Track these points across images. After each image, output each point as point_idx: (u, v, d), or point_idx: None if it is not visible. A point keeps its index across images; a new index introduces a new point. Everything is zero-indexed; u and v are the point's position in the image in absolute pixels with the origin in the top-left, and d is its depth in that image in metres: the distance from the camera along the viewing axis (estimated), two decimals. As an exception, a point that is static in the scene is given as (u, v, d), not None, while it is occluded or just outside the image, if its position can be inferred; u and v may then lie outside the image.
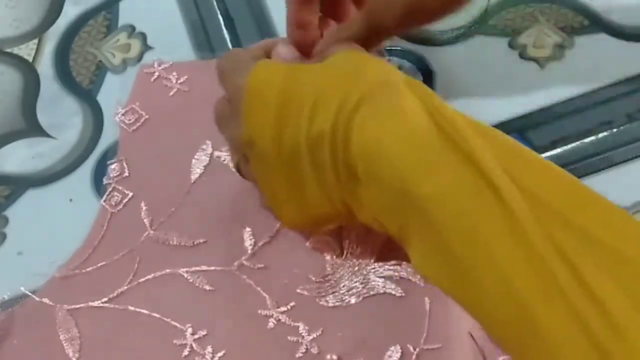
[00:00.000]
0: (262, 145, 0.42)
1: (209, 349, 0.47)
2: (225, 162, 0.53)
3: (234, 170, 0.53)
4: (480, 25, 0.59)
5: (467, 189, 0.35)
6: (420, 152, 0.37)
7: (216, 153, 0.54)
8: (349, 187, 0.40)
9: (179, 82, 0.57)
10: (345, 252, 0.49)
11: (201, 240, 0.51)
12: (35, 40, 0.62)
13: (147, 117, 0.56)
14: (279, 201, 0.44)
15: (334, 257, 0.49)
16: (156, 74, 0.58)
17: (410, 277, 0.48)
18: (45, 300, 0.49)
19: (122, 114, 0.56)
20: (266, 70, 0.43)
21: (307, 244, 0.50)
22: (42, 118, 0.58)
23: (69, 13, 0.63)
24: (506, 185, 0.35)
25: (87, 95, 0.59)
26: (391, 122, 0.38)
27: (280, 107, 0.41)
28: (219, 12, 0.62)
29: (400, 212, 0.38)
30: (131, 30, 0.62)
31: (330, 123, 0.39)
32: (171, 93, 0.57)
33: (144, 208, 0.52)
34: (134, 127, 0.56)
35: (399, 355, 0.46)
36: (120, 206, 0.52)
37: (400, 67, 0.57)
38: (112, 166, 0.54)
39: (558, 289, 0.32)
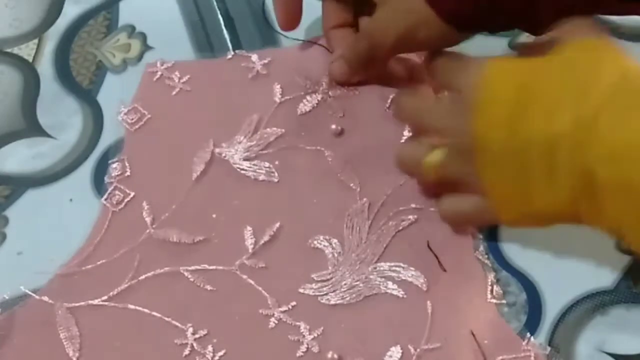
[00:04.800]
0: (493, 140, 0.41)
1: (210, 348, 0.47)
2: (226, 158, 0.53)
3: (235, 168, 0.53)
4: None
5: None
6: None
7: (217, 151, 0.54)
8: (586, 192, 0.39)
9: (181, 81, 0.57)
10: (346, 251, 0.49)
11: (202, 239, 0.51)
12: (35, 40, 0.62)
13: (149, 116, 0.56)
14: (502, 197, 0.43)
15: (336, 255, 0.49)
16: (159, 73, 0.58)
17: (412, 280, 0.48)
18: (45, 298, 0.49)
19: (125, 113, 0.56)
20: (501, 67, 0.43)
21: None
22: (42, 118, 0.58)
23: (69, 13, 0.63)
24: None
25: (87, 95, 0.59)
26: None
27: (516, 104, 0.41)
28: (219, 12, 0.62)
29: None
30: (131, 30, 0.62)
31: (569, 125, 0.39)
32: (174, 92, 0.57)
33: (145, 207, 0.52)
34: (136, 127, 0.56)
35: (399, 355, 0.46)
36: (122, 205, 0.52)
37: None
38: (114, 165, 0.54)
39: None
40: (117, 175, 0.54)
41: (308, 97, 0.55)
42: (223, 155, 0.53)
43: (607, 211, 0.39)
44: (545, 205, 0.42)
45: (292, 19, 0.55)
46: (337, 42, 0.55)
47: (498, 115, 0.42)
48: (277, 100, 0.55)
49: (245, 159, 0.53)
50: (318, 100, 0.55)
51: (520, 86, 0.42)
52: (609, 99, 0.39)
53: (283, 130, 0.54)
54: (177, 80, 0.57)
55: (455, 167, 0.46)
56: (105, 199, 0.53)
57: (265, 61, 0.57)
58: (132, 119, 0.56)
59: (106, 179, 0.54)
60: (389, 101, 0.54)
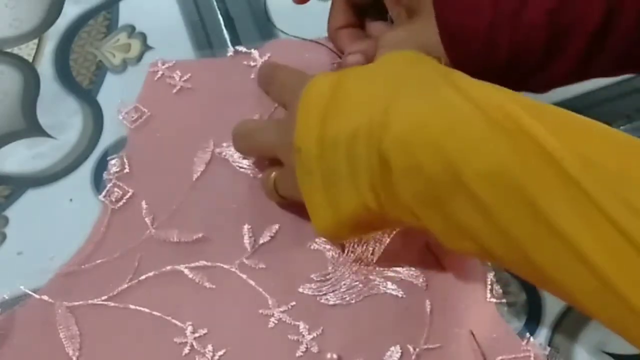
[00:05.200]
0: (307, 148, 0.43)
1: (210, 347, 0.47)
2: (226, 157, 0.53)
3: (236, 167, 0.53)
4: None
5: (521, 162, 0.35)
6: (468, 131, 0.37)
7: (217, 150, 0.54)
8: (383, 179, 0.40)
9: (182, 80, 0.57)
10: (346, 251, 0.49)
11: (201, 237, 0.51)
12: (35, 40, 0.62)
13: (149, 114, 0.56)
14: (315, 206, 0.44)
15: (335, 255, 0.49)
16: (160, 72, 0.58)
17: (411, 280, 0.48)
18: (45, 298, 0.49)
19: (126, 112, 0.56)
20: (318, 79, 0.44)
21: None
22: (42, 118, 0.58)
23: (69, 13, 0.63)
24: (562, 152, 0.35)
25: (87, 95, 0.59)
26: (432, 108, 0.38)
27: (325, 109, 0.42)
28: (219, 12, 0.62)
29: (444, 199, 0.38)
30: (131, 30, 0.62)
31: (367, 117, 0.40)
32: (174, 91, 0.57)
33: (145, 206, 0.52)
34: (137, 124, 0.56)
35: (399, 355, 0.46)
36: (121, 203, 0.52)
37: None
38: (112, 161, 0.54)
39: (636, 252, 0.32)
40: (116, 172, 0.53)
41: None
42: (223, 154, 0.53)
43: (401, 196, 0.40)
44: (350, 205, 0.42)
45: None
46: (344, 42, 0.55)
47: (311, 122, 0.43)
48: (278, 100, 0.56)
49: (245, 158, 0.53)
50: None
51: (330, 93, 0.43)
52: (408, 87, 0.40)
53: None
54: (178, 79, 0.57)
55: (285, 184, 0.47)
56: (104, 196, 0.53)
57: (266, 57, 0.57)
58: (133, 117, 0.56)
59: (105, 175, 0.54)
60: None
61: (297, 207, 0.49)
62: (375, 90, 0.41)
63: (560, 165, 0.34)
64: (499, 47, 0.44)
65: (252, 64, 0.58)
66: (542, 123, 0.36)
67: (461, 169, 0.37)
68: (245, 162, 0.53)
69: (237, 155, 0.53)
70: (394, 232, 0.49)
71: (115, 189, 0.53)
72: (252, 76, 0.57)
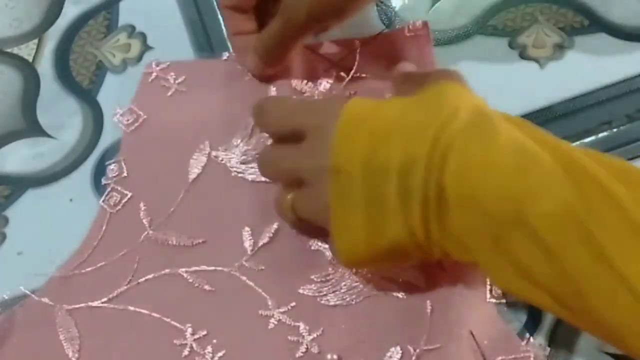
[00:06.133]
0: (349, 170, 0.42)
1: (209, 349, 0.47)
2: (223, 162, 0.53)
3: (231, 170, 0.53)
4: (480, 25, 0.59)
5: (587, 206, 0.36)
6: (539, 171, 0.38)
7: (214, 153, 0.54)
8: (438, 212, 0.40)
9: (177, 82, 0.57)
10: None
11: (200, 241, 0.51)
12: (35, 40, 0.62)
13: (145, 117, 0.56)
14: (347, 229, 0.43)
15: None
16: (154, 74, 0.58)
17: (412, 281, 0.48)
18: (45, 300, 0.49)
19: (121, 115, 0.56)
20: (360, 103, 0.44)
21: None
22: (42, 118, 0.58)
23: (69, 13, 0.63)
24: (627, 198, 0.36)
25: (87, 95, 0.59)
26: (495, 146, 0.39)
27: (372, 134, 0.42)
28: (219, 12, 0.62)
29: (502, 235, 0.38)
30: (131, 30, 0.62)
31: (426, 148, 0.40)
32: (169, 93, 0.57)
33: (142, 208, 0.52)
34: (132, 128, 0.56)
35: (399, 355, 0.46)
36: (119, 206, 0.52)
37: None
38: (111, 167, 0.54)
39: None
40: (114, 177, 0.54)
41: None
42: (220, 159, 0.53)
43: (455, 230, 0.40)
44: (395, 233, 0.42)
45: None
46: (240, 48, 0.56)
47: (356, 145, 0.42)
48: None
49: (242, 162, 0.53)
50: (314, 101, 0.55)
51: (381, 117, 0.43)
52: (469, 121, 0.40)
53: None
54: (172, 82, 0.57)
55: (307, 206, 0.46)
56: (103, 201, 0.53)
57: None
58: (128, 120, 0.56)
59: (103, 181, 0.54)
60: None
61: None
62: (429, 120, 0.41)
63: (627, 211, 0.36)
64: None
65: (247, 67, 0.58)
66: (604, 169, 0.37)
67: (527, 208, 0.37)
68: (243, 167, 0.53)
69: (234, 160, 0.53)
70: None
71: (114, 193, 0.53)
72: (247, 78, 0.57)
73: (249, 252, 0.50)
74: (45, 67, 0.61)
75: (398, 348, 0.46)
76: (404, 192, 0.41)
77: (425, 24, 0.57)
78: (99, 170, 0.55)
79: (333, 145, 0.43)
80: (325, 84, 0.56)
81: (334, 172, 0.43)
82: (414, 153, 0.40)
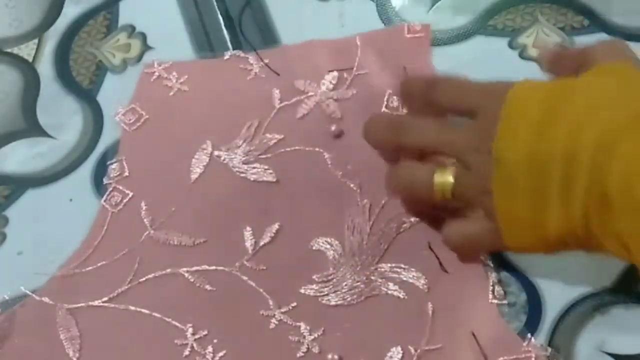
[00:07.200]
0: (511, 160, 0.41)
1: (210, 349, 0.47)
2: (225, 162, 0.53)
3: (233, 170, 0.53)
4: (480, 25, 0.59)
5: None
6: None
7: (216, 153, 0.54)
8: (600, 212, 0.39)
9: (179, 81, 0.57)
10: (347, 251, 0.49)
11: (202, 240, 0.51)
12: (35, 40, 0.62)
13: (147, 117, 0.56)
14: (513, 221, 0.43)
15: (337, 255, 0.49)
16: (156, 73, 0.58)
17: (413, 281, 0.48)
18: (46, 299, 0.49)
19: (123, 114, 0.56)
20: (525, 87, 0.43)
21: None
22: (42, 118, 0.58)
23: (69, 13, 0.63)
24: None
25: (87, 95, 0.59)
26: None
27: (540, 122, 0.41)
28: (219, 12, 0.62)
29: None
30: (131, 30, 0.62)
31: (591, 141, 0.39)
32: (171, 93, 0.57)
33: (144, 208, 0.52)
34: (134, 127, 0.56)
35: (400, 356, 0.46)
36: (121, 206, 0.52)
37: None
38: (113, 166, 0.54)
39: None
40: (116, 176, 0.54)
41: (307, 100, 0.55)
42: (222, 159, 0.53)
43: (616, 228, 0.39)
44: (557, 223, 0.41)
45: None
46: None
47: (521, 131, 0.41)
48: (277, 105, 0.55)
49: (245, 163, 0.53)
50: (316, 102, 0.55)
51: (545, 105, 0.42)
52: (634, 123, 0.39)
53: (282, 135, 0.54)
54: (174, 81, 0.57)
55: (469, 186, 0.45)
56: (105, 201, 0.53)
57: (262, 64, 0.57)
58: (130, 120, 0.56)
59: (105, 180, 0.54)
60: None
61: (301, 208, 0.49)
62: (598, 110, 0.40)
63: None
64: None
65: (248, 67, 0.58)
66: None
67: None
68: (245, 167, 0.53)
69: (236, 160, 0.53)
70: (396, 233, 0.50)
71: (115, 193, 0.53)
72: (249, 78, 0.57)
73: (250, 251, 0.50)
74: (45, 67, 0.60)
75: (399, 348, 0.46)
76: (567, 187, 0.40)
77: (425, 27, 0.57)
78: (99, 170, 0.55)
79: (498, 134, 0.42)
80: (328, 84, 0.56)
81: (497, 161, 0.42)
82: (579, 147, 0.39)
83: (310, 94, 0.56)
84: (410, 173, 0.47)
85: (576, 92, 0.42)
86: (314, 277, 0.49)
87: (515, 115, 0.42)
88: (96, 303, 0.49)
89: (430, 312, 0.47)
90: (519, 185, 0.41)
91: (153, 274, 0.50)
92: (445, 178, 0.45)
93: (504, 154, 0.42)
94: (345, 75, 0.56)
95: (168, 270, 0.50)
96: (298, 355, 0.46)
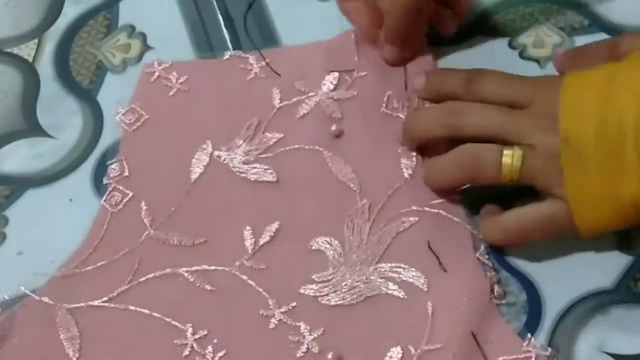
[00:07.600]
0: (584, 136, 0.42)
1: (210, 349, 0.47)
2: (225, 162, 0.53)
3: (233, 170, 0.53)
4: (480, 25, 0.59)
5: None
6: None
7: (216, 152, 0.54)
8: None
9: (179, 81, 0.57)
10: (347, 251, 0.49)
11: (201, 240, 0.51)
12: (35, 40, 0.62)
13: (147, 117, 0.56)
14: (587, 197, 0.43)
15: (337, 255, 0.49)
16: (156, 73, 0.58)
17: (412, 281, 0.48)
18: (45, 299, 0.49)
19: (123, 114, 0.56)
20: (580, 74, 0.45)
21: None
22: (42, 118, 0.58)
23: (69, 13, 0.63)
24: None
25: (87, 95, 0.59)
26: None
27: (604, 98, 0.42)
28: (219, 12, 0.62)
29: None
30: (131, 30, 0.62)
31: None
32: (171, 93, 0.57)
33: (144, 208, 0.52)
34: (134, 127, 0.56)
35: (400, 356, 0.46)
36: (121, 206, 0.52)
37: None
38: (112, 166, 0.54)
39: None
40: (116, 176, 0.54)
41: (307, 100, 0.55)
42: (222, 159, 0.53)
43: None
44: (635, 192, 0.41)
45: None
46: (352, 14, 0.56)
47: (586, 107, 0.42)
48: (276, 105, 0.55)
49: (245, 162, 0.53)
50: (316, 102, 0.55)
51: (605, 80, 0.43)
52: None
53: (282, 135, 0.54)
54: (174, 81, 0.57)
55: (536, 168, 0.45)
56: (105, 200, 0.53)
57: (263, 64, 0.57)
58: (130, 120, 0.56)
59: (105, 180, 0.54)
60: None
61: (301, 207, 0.49)
62: None
63: None
64: None
65: (248, 67, 0.58)
66: None
67: None
68: (245, 167, 0.53)
69: (236, 160, 0.53)
70: (395, 233, 0.50)
71: (115, 193, 0.53)
72: (249, 79, 0.57)
73: (249, 251, 0.50)
74: (45, 67, 0.60)
75: (399, 348, 0.46)
76: None
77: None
78: (99, 170, 0.55)
79: (562, 114, 0.43)
80: (329, 85, 0.56)
81: (565, 140, 0.43)
82: None
83: (310, 94, 0.56)
84: (475, 154, 0.47)
85: (629, 69, 0.43)
86: (313, 277, 0.49)
87: (577, 95, 0.43)
88: (96, 303, 0.49)
89: (430, 312, 0.47)
90: (590, 160, 0.42)
91: (153, 274, 0.50)
92: (514, 159, 0.45)
93: (573, 132, 0.42)
94: (346, 77, 0.56)
95: (168, 270, 0.50)
96: (298, 355, 0.46)
